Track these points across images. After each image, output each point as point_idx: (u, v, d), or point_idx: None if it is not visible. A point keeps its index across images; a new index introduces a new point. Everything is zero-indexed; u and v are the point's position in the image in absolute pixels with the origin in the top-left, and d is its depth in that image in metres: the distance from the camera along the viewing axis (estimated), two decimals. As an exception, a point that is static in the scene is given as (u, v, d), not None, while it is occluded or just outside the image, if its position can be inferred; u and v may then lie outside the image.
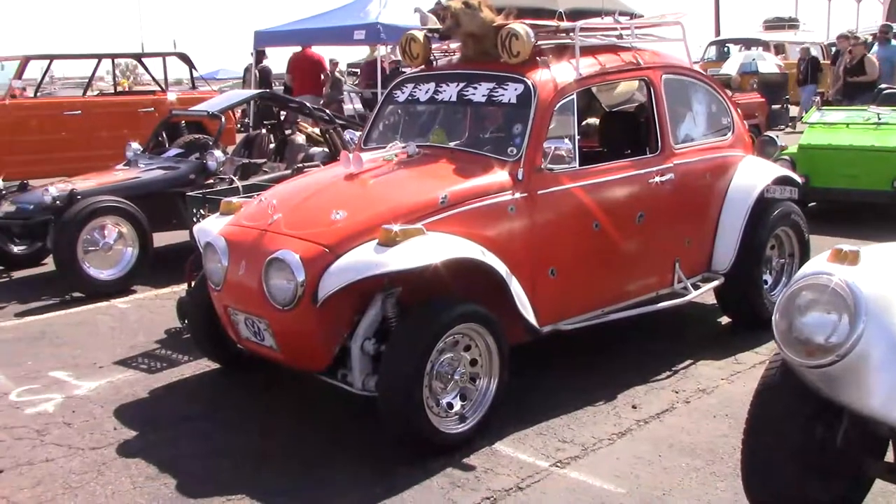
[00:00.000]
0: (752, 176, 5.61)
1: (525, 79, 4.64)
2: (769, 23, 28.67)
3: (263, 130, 8.94)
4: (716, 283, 5.43)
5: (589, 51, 4.94)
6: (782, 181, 5.76)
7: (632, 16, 8.30)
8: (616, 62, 5.06)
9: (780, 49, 22.58)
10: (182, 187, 7.53)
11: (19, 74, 11.48)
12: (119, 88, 15.02)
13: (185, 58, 12.57)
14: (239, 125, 13.71)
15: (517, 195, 4.41)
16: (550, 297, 4.55)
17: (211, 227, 4.63)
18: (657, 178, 5.04)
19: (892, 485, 3.41)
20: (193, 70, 12.77)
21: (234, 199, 4.86)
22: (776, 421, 2.99)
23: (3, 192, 7.41)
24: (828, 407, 2.90)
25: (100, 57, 12.46)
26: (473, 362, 4.11)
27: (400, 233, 3.89)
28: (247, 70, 16.73)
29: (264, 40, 15.02)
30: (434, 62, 5.27)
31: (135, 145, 8.27)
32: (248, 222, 4.39)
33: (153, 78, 13.10)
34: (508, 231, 4.38)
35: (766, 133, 6.48)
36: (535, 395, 4.61)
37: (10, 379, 5.10)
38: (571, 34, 4.85)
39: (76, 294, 6.89)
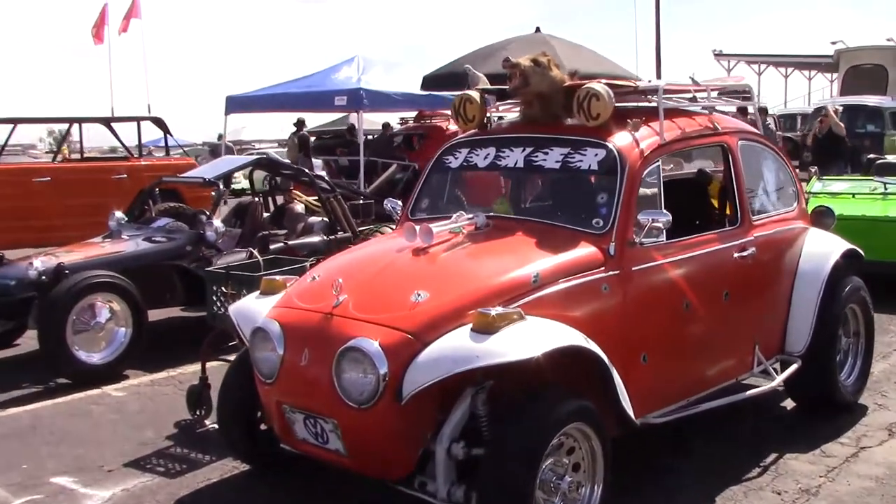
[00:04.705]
0: (822, 248, 5.24)
1: (607, 143, 4.20)
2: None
3: (258, 198, 8.35)
4: (795, 366, 4.96)
5: (666, 114, 4.53)
6: (849, 254, 5.40)
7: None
8: (694, 126, 4.66)
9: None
10: (177, 259, 6.96)
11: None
12: (60, 157, 14.16)
13: (159, 122, 11.91)
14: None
15: (610, 272, 3.92)
16: (642, 385, 4.02)
17: (256, 309, 4.04)
18: (739, 253, 4.62)
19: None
20: (168, 135, 12.14)
21: (278, 277, 4.28)
22: None
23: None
24: None
25: (70, 121, 11.78)
26: (576, 467, 3.56)
27: (498, 317, 3.36)
28: (291, 136, 17.34)
29: (236, 105, 14.52)
30: (488, 125, 4.81)
31: (118, 214, 7.58)
32: (305, 304, 3.80)
33: (122, 143, 12.41)
34: (602, 313, 3.88)
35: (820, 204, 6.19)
36: (621, 499, 4.04)
37: (6, 488, 4.35)
38: (652, 96, 4.45)
39: (60, 380, 6.15)
